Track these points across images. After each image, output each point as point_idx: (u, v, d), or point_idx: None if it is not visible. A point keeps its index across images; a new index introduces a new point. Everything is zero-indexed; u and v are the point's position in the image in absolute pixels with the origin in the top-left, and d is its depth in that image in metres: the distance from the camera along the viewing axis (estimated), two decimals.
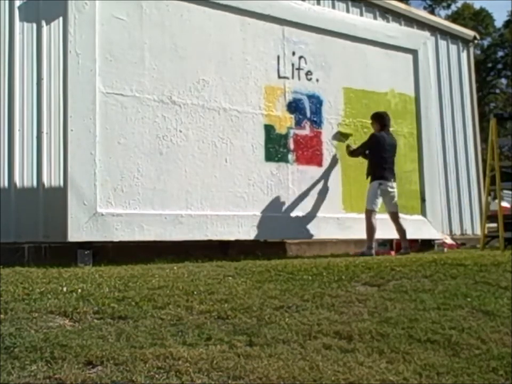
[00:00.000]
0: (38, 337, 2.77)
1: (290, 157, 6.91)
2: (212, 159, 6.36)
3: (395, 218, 6.92)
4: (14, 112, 6.29)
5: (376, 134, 6.95)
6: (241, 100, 6.63)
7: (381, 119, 7.04)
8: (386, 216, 7.14)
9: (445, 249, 7.71)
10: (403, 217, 7.43)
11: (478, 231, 9.74)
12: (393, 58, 7.91)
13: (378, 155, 6.84)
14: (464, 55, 10.87)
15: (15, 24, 6.38)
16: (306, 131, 7.09)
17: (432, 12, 29.63)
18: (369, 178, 6.87)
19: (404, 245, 6.87)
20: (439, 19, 12.93)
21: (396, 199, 6.92)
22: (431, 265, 4.92)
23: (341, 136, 7.29)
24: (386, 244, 7.51)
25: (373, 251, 6.63)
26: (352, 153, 7.13)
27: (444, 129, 10.11)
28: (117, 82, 5.89)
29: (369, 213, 6.75)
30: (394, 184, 6.91)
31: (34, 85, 6.42)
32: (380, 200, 6.80)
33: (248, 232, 6.42)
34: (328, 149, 7.20)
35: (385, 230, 7.04)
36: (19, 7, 6.42)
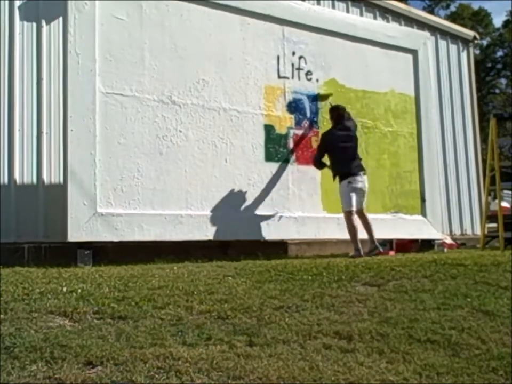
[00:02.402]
0: (38, 337, 2.77)
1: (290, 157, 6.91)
2: (212, 159, 6.36)
3: (362, 215, 6.62)
4: (14, 112, 6.29)
5: (323, 133, 6.81)
6: (241, 100, 6.64)
7: (331, 113, 6.87)
8: (385, 216, 7.16)
9: (445, 249, 7.71)
10: (403, 217, 7.44)
11: (478, 231, 9.74)
12: (393, 58, 7.91)
13: (333, 152, 6.63)
14: (464, 55, 10.87)
15: (15, 24, 6.39)
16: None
17: (431, 12, 29.62)
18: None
19: (372, 240, 6.60)
20: (439, 19, 12.93)
21: (365, 196, 6.66)
22: (431, 265, 4.92)
23: (321, 98, 7.18)
24: (386, 244, 7.51)
25: (361, 252, 6.40)
26: (315, 163, 6.80)
27: (444, 129, 10.11)
28: (117, 82, 5.89)
29: (347, 214, 6.53)
30: (364, 178, 6.64)
31: (34, 85, 6.42)
32: (354, 199, 6.51)
33: (248, 232, 6.41)
34: None
35: (385, 230, 7.04)
36: (19, 7, 6.42)
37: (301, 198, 6.91)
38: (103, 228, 5.61)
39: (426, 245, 7.76)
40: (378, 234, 7.00)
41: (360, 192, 6.61)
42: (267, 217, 6.62)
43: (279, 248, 6.99)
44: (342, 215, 6.87)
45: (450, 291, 4.01)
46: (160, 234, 5.90)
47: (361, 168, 6.69)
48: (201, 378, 2.45)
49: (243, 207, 6.55)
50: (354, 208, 6.52)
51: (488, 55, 34.57)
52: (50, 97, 6.46)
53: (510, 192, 9.89)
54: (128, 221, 5.75)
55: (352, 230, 6.52)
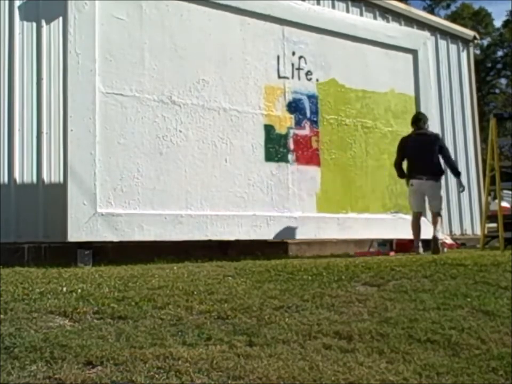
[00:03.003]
0: (38, 337, 2.77)
1: (290, 157, 6.91)
2: (212, 159, 6.36)
3: (433, 219, 6.84)
4: (14, 112, 6.29)
5: (401, 138, 7.09)
6: (241, 100, 6.63)
7: (412, 120, 7.19)
8: (385, 216, 7.15)
9: (445, 249, 7.70)
10: (403, 217, 7.43)
11: (478, 231, 9.73)
12: (393, 58, 7.91)
13: (403, 157, 6.94)
14: (464, 55, 10.87)
15: (15, 24, 6.39)
16: (306, 131, 7.10)
17: (431, 12, 29.62)
18: None
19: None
20: (439, 19, 12.92)
21: (435, 198, 6.83)
22: (431, 265, 4.91)
23: None
24: (386, 243, 7.51)
25: (419, 249, 6.68)
26: (396, 169, 7.09)
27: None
28: (117, 82, 5.89)
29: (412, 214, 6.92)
30: (428, 182, 6.75)
31: (34, 85, 6.42)
32: (414, 201, 6.84)
33: (248, 232, 6.42)
34: (328, 149, 7.20)
35: (385, 230, 7.04)
36: (19, 7, 6.42)
37: (301, 198, 6.91)
38: (103, 228, 5.61)
39: (426, 245, 7.74)
40: (379, 234, 7.02)
41: (429, 195, 6.81)
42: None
43: (279, 248, 7.00)
44: (340, 215, 6.92)
45: (450, 291, 4.01)
46: (160, 234, 5.90)
47: (428, 172, 6.75)
48: (201, 378, 2.45)
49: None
50: (415, 210, 6.87)
51: (488, 55, 34.58)
52: (50, 97, 6.46)
53: (510, 192, 9.88)
54: (128, 221, 5.75)
55: (412, 228, 6.82)
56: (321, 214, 6.99)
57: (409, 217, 7.55)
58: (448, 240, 8.52)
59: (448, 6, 35.47)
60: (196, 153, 6.27)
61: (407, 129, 7.87)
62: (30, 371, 2.41)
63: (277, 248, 6.92)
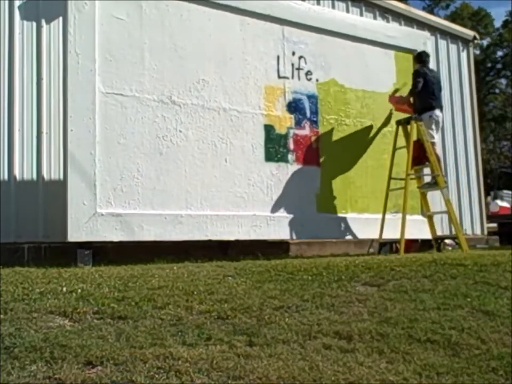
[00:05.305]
0: (38, 337, 2.77)
1: (290, 157, 6.91)
2: (212, 159, 6.36)
3: None
4: (14, 112, 6.29)
5: (418, 69, 7.37)
6: (241, 100, 6.63)
7: (418, 57, 7.51)
8: (385, 216, 7.15)
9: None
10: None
11: (478, 231, 9.74)
12: (393, 58, 7.91)
13: (425, 88, 7.16)
14: (464, 55, 10.86)
15: (15, 24, 6.39)
16: (306, 131, 7.10)
17: (431, 12, 29.62)
18: None
19: None
20: (439, 19, 12.91)
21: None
22: (431, 265, 4.91)
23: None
24: (386, 244, 7.50)
25: None
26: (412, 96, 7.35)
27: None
28: (117, 82, 5.89)
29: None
30: (441, 114, 7.35)
31: (34, 85, 6.42)
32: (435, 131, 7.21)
33: (248, 232, 6.42)
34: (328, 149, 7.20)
35: (385, 230, 7.04)
36: (19, 7, 6.42)
37: (300, 198, 6.90)
38: (103, 228, 5.61)
39: (426, 245, 7.75)
40: (378, 234, 7.01)
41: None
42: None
43: (279, 248, 6.99)
44: (340, 215, 6.93)
45: (450, 291, 4.01)
46: (160, 234, 5.90)
47: (441, 106, 7.45)
48: (201, 378, 2.45)
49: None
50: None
51: (488, 55, 34.61)
52: (50, 97, 6.47)
53: (510, 192, 9.88)
54: (128, 221, 5.75)
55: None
56: (321, 214, 6.99)
57: (409, 217, 7.55)
58: (448, 240, 8.52)
59: (447, 6, 35.50)
60: (196, 153, 6.27)
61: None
62: (30, 371, 2.41)
63: (277, 248, 6.91)
